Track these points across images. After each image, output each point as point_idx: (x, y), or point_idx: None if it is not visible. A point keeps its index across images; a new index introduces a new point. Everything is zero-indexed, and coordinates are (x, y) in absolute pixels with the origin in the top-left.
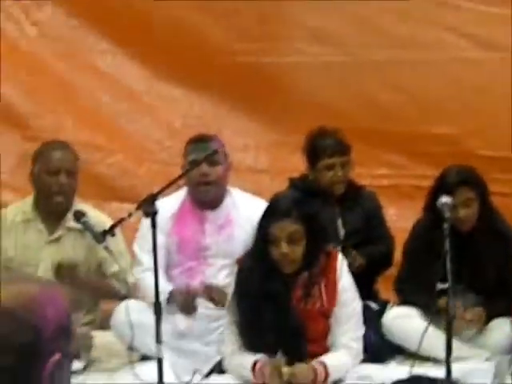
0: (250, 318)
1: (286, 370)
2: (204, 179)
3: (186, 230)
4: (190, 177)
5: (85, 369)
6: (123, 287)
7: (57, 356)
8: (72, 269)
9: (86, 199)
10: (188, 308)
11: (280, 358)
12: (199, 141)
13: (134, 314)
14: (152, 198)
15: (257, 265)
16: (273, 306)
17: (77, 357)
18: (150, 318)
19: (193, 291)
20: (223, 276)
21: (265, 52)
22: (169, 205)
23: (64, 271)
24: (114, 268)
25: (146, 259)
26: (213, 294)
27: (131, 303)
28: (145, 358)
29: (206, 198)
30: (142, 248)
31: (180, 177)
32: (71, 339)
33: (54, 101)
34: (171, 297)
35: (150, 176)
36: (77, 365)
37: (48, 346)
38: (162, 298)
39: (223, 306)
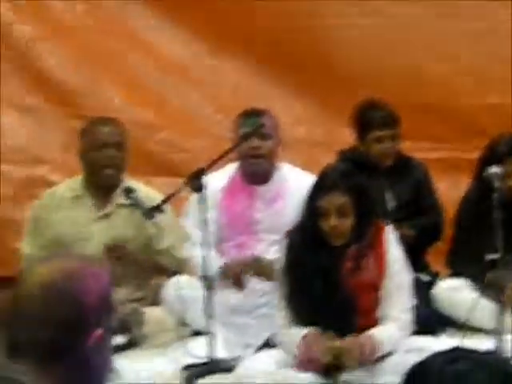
0: (299, 292)
1: (334, 343)
2: (254, 153)
3: (236, 204)
4: (241, 150)
5: (135, 344)
6: (173, 263)
7: (99, 330)
8: (122, 248)
9: (135, 175)
10: (239, 283)
11: (328, 332)
12: (250, 115)
13: (184, 289)
14: (201, 173)
15: (306, 238)
16: (322, 279)
17: (127, 332)
18: (200, 292)
19: (243, 265)
20: (274, 251)
21: (315, 26)
22: (218, 179)
23: (114, 251)
24: (164, 244)
25: (196, 234)
26: (262, 268)
27: (182, 278)
28: (196, 333)
29: (257, 171)
30: (191, 222)
31: (229, 150)
32: (113, 313)
33: (102, 78)
34: (222, 272)
35: (199, 151)
36: (121, 339)
37: (90, 320)
38: (214, 276)
39: (272, 279)
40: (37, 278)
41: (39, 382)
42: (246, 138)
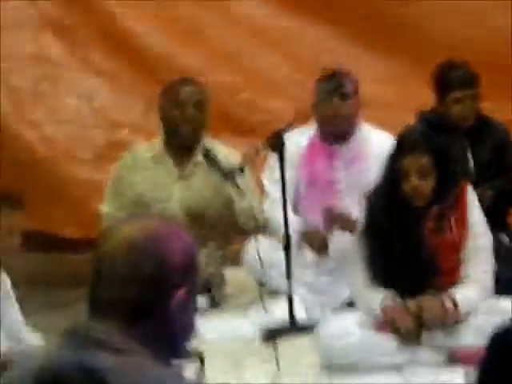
0: (380, 252)
1: (414, 304)
2: (335, 113)
3: (316, 164)
4: (321, 111)
5: (215, 305)
6: (252, 223)
7: (183, 290)
8: (200, 214)
9: (215, 136)
10: (320, 249)
11: (410, 301)
12: (330, 76)
13: (264, 250)
14: (280, 133)
15: (387, 198)
16: (404, 239)
17: (208, 293)
18: (280, 253)
19: (328, 222)
20: (353, 210)
21: None
22: (298, 139)
23: (193, 214)
24: (243, 204)
25: (276, 192)
26: (343, 223)
27: (261, 239)
28: (276, 293)
29: (336, 132)
30: (270, 182)
31: (309, 111)
32: (197, 275)
33: (183, 42)
34: (303, 237)
35: (278, 111)
36: (202, 301)
37: (174, 279)
38: (293, 236)
39: (353, 233)
40: (121, 237)
41: (122, 341)
42: (325, 98)
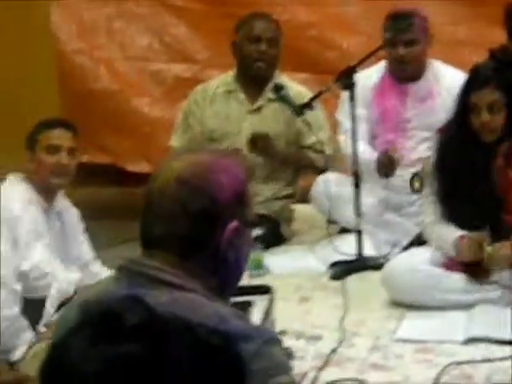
0: (450, 188)
1: (486, 246)
2: (400, 60)
3: (387, 102)
4: (389, 53)
5: (284, 241)
6: (321, 159)
7: (234, 222)
8: (265, 139)
9: (286, 72)
10: (387, 168)
11: (483, 233)
12: (398, 17)
13: (333, 186)
14: (351, 71)
15: (457, 134)
16: (473, 175)
17: (276, 229)
18: (349, 190)
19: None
20: (423, 148)
21: None
22: (369, 77)
23: (258, 141)
24: (312, 139)
25: (350, 125)
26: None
27: (330, 175)
28: (344, 230)
29: (404, 75)
30: (345, 115)
31: (377, 50)
32: (249, 207)
33: None
34: (378, 159)
35: (349, 48)
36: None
37: (224, 213)
38: (366, 167)
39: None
40: (170, 173)
41: (175, 276)
42: (390, 43)
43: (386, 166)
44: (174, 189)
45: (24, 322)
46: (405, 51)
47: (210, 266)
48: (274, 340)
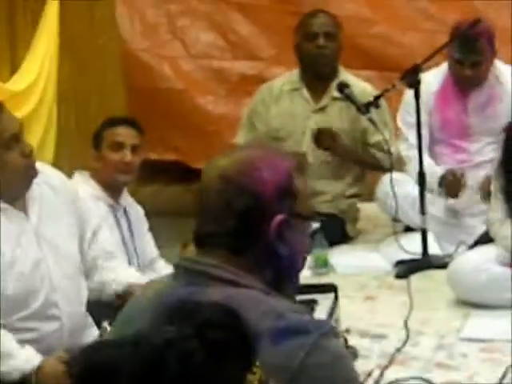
0: None
1: None
2: (465, 78)
3: (449, 109)
4: (454, 67)
5: (349, 240)
6: (386, 158)
7: (281, 216)
8: (331, 135)
9: (351, 70)
10: (455, 191)
11: None
12: (467, 38)
13: (398, 185)
14: (416, 69)
15: None
16: None
17: (341, 228)
18: (414, 189)
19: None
20: (488, 151)
21: None
22: (432, 82)
23: (323, 137)
24: (377, 138)
25: (410, 135)
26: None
27: (396, 175)
28: (409, 229)
29: (467, 86)
30: (405, 122)
31: (442, 48)
32: (300, 200)
33: None
34: (442, 179)
35: (414, 45)
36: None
37: (269, 208)
38: (429, 178)
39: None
40: (214, 171)
41: (230, 273)
42: (456, 61)
43: (453, 186)
44: (219, 186)
45: (89, 319)
46: (471, 72)
47: (262, 260)
48: (330, 333)
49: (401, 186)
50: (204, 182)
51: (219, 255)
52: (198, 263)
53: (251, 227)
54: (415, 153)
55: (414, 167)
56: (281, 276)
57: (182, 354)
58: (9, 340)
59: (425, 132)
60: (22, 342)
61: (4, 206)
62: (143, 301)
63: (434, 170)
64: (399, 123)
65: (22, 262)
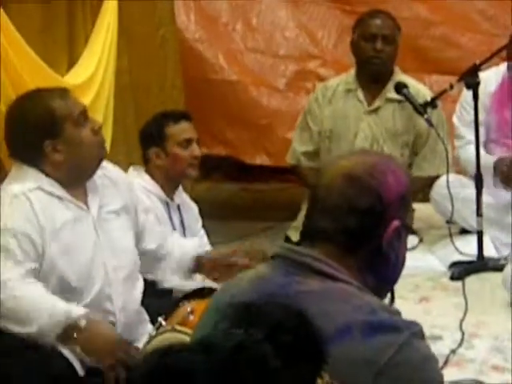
0: None
1: None
2: None
3: (505, 110)
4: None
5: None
6: (435, 166)
7: (397, 222)
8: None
9: (407, 72)
10: (510, 178)
11: None
12: None
13: (454, 186)
14: (475, 70)
15: None
16: None
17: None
18: (470, 191)
19: None
20: None
21: None
22: (490, 80)
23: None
24: (434, 139)
25: (467, 133)
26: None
27: (451, 176)
28: (464, 231)
29: None
30: (462, 121)
31: (500, 50)
32: (409, 211)
33: None
34: (495, 167)
35: (472, 47)
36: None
37: (388, 212)
38: (484, 168)
39: None
40: (338, 170)
41: (333, 268)
42: None
43: (507, 173)
44: (343, 185)
45: (144, 315)
46: None
47: (369, 263)
48: (420, 333)
49: (457, 188)
50: (324, 179)
51: (326, 250)
52: (300, 254)
53: (368, 228)
54: (472, 149)
55: (470, 164)
56: (381, 282)
57: (254, 359)
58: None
59: (482, 130)
60: None
61: (66, 195)
62: (242, 286)
63: (487, 160)
64: (456, 121)
65: (80, 252)
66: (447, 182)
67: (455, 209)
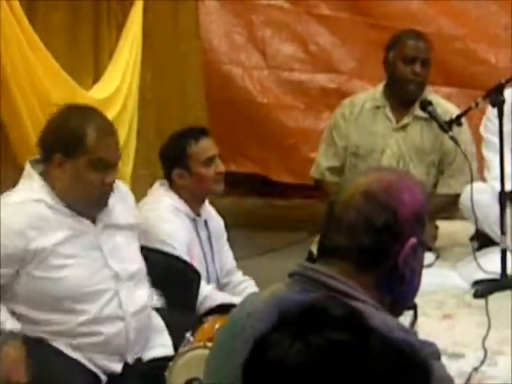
0: None
1: None
2: None
3: None
4: None
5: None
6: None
7: (413, 239)
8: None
9: (433, 87)
10: None
11: None
12: None
13: (482, 194)
14: (500, 88)
15: None
16: None
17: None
18: (494, 208)
19: None
20: None
21: None
22: None
23: (408, 166)
24: (461, 158)
25: (494, 163)
26: None
27: (481, 184)
28: (485, 245)
29: None
30: (488, 130)
31: None
32: (425, 229)
33: None
34: None
35: (498, 62)
36: (430, 257)
37: (404, 229)
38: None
39: None
40: (356, 187)
41: (349, 286)
42: None
43: None
44: (360, 202)
45: (160, 323)
46: None
47: (385, 281)
48: (436, 354)
49: (485, 195)
50: (341, 197)
51: (341, 268)
52: (316, 271)
53: (385, 245)
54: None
55: (496, 179)
56: (397, 300)
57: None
58: None
59: (508, 142)
60: (87, 346)
61: (66, 210)
62: (257, 303)
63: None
64: (484, 133)
65: (82, 265)
66: (471, 194)
67: (484, 217)
